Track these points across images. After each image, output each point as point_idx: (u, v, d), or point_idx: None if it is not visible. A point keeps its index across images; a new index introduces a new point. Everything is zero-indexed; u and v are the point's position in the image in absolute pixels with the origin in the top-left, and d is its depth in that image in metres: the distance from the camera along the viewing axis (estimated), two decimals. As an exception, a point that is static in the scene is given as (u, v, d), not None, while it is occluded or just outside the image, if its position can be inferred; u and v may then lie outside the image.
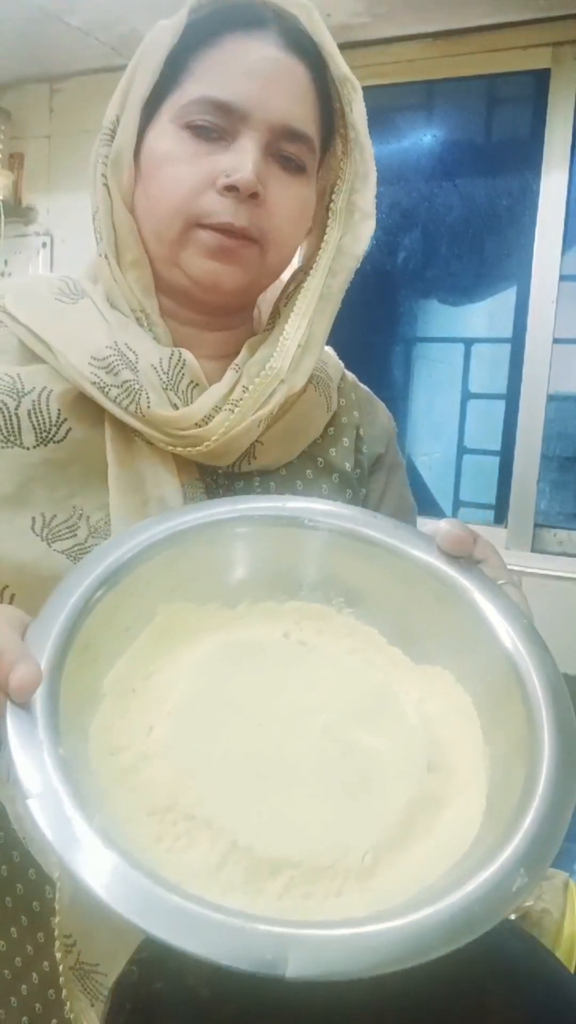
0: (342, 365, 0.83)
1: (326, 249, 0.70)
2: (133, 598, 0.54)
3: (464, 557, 0.56)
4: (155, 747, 0.48)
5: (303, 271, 0.71)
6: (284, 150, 0.65)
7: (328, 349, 0.81)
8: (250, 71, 0.63)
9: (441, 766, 0.49)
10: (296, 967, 0.35)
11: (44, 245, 2.73)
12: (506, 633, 0.52)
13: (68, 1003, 0.64)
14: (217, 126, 0.63)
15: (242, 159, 0.62)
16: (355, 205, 0.71)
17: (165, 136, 0.64)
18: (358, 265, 0.72)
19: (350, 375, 0.85)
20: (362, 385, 0.86)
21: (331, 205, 0.71)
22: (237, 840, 0.43)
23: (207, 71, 0.63)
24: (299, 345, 0.68)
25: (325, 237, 0.70)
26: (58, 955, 0.64)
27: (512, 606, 0.54)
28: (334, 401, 0.78)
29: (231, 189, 0.62)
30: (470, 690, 0.53)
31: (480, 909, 0.38)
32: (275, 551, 0.59)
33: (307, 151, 0.66)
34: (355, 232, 0.71)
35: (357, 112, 0.68)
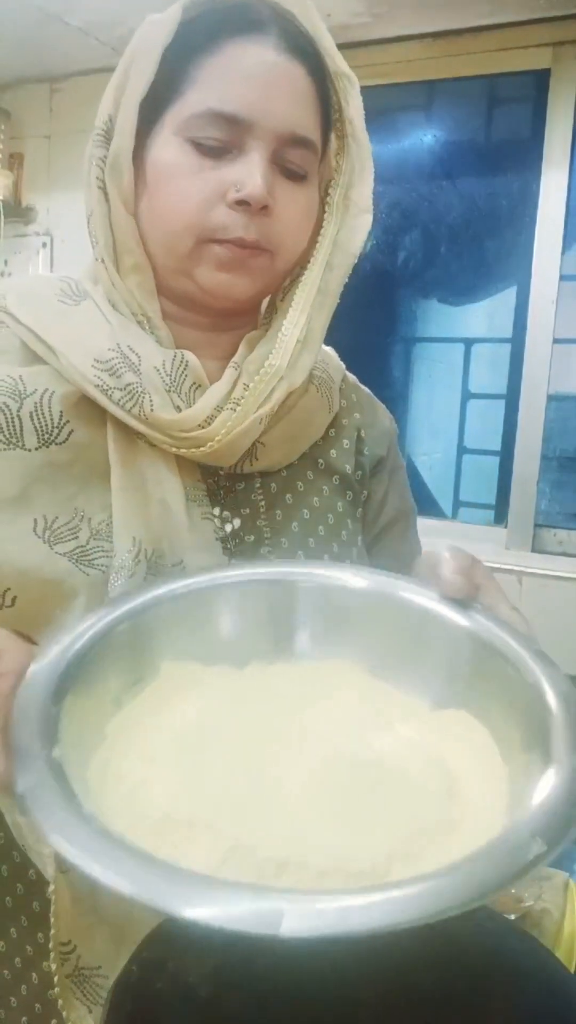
0: (343, 366, 0.83)
1: (323, 244, 0.70)
2: (141, 650, 0.55)
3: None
4: (157, 771, 0.48)
5: (300, 266, 0.71)
6: (289, 158, 0.65)
7: (329, 350, 0.81)
8: (253, 79, 0.62)
9: (457, 793, 0.48)
10: (291, 926, 0.34)
11: (44, 245, 2.73)
12: (519, 663, 0.53)
13: (65, 1012, 0.64)
14: (223, 139, 0.62)
15: (251, 172, 0.62)
16: (351, 200, 0.70)
17: (169, 148, 0.64)
18: (355, 260, 0.71)
19: (351, 376, 0.85)
20: (363, 387, 0.86)
21: (327, 199, 0.71)
22: (239, 841, 0.42)
23: (209, 80, 0.62)
24: (298, 341, 0.68)
25: (322, 232, 0.70)
26: (53, 965, 0.64)
27: (519, 634, 0.55)
28: (335, 402, 0.78)
29: (241, 203, 0.62)
30: (489, 724, 0.53)
31: (491, 873, 0.37)
32: (285, 612, 0.60)
33: (310, 156, 0.66)
34: (352, 227, 0.71)
35: (354, 107, 0.68)
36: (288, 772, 0.48)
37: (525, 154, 2.20)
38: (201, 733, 0.51)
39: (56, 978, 0.64)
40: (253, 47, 0.63)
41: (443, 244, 2.46)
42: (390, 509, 0.84)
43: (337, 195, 0.70)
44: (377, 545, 0.84)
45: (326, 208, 0.71)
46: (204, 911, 0.34)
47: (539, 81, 2.14)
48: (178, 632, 0.58)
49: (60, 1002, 0.64)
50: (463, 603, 0.57)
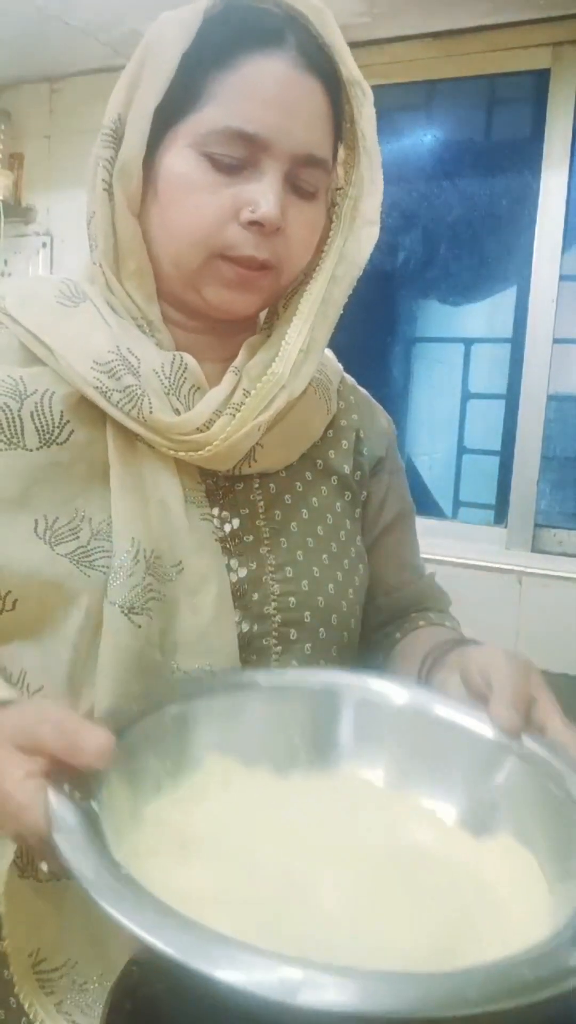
0: (341, 368, 0.83)
1: (328, 255, 0.70)
2: (186, 738, 0.56)
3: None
4: (189, 853, 0.48)
5: (304, 275, 0.71)
6: (302, 177, 0.65)
7: (327, 352, 0.81)
8: (272, 99, 0.62)
9: (495, 904, 0.47)
10: (308, 995, 0.33)
11: (44, 245, 2.73)
12: (563, 781, 0.52)
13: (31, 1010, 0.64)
14: (239, 157, 0.62)
15: (266, 193, 0.62)
16: (359, 212, 0.70)
17: (184, 160, 0.63)
18: (360, 272, 0.71)
19: (349, 378, 0.85)
20: (361, 388, 0.86)
21: (335, 210, 0.70)
22: (262, 928, 0.42)
23: (228, 97, 0.62)
24: (300, 350, 0.68)
25: (328, 243, 0.70)
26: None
27: (558, 754, 0.54)
28: (333, 404, 0.78)
29: (255, 224, 0.62)
30: (528, 840, 0.52)
31: (528, 973, 0.35)
32: (335, 723, 0.61)
33: (323, 175, 0.66)
34: (358, 239, 0.70)
35: (367, 118, 0.67)
36: (318, 873, 0.48)
37: (525, 154, 2.20)
38: (236, 827, 0.51)
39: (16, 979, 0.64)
40: (272, 63, 0.62)
41: (443, 244, 2.46)
42: (391, 510, 0.84)
43: (345, 207, 0.70)
44: (378, 547, 0.83)
45: (333, 218, 0.70)
46: (222, 969, 0.34)
47: (539, 81, 2.14)
48: (223, 725, 0.58)
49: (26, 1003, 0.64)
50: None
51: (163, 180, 0.64)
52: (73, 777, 0.46)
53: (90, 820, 0.43)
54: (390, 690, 0.62)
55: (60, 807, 0.43)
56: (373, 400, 0.86)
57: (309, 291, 0.69)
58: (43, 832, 0.43)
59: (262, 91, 0.62)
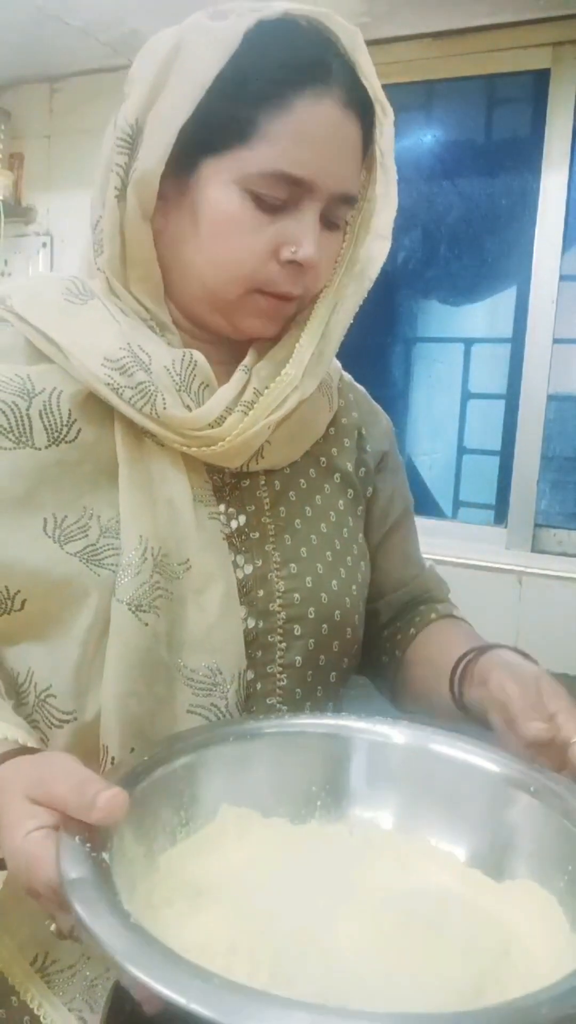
0: (339, 365, 0.83)
1: (342, 267, 0.71)
2: (198, 790, 0.56)
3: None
4: (203, 902, 0.48)
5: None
6: (336, 213, 0.66)
7: None
8: (321, 142, 0.63)
9: (516, 950, 0.47)
10: None
11: (44, 245, 2.73)
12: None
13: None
14: (286, 199, 0.63)
15: (306, 235, 0.64)
16: (373, 226, 0.71)
17: (230, 196, 0.63)
18: (371, 284, 0.73)
19: (347, 375, 0.86)
20: (359, 386, 0.87)
21: (349, 224, 0.71)
22: (276, 974, 0.42)
23: (279, 139, 0.61)
24: (313, 354, 0.70)
25: (341, 255, 0.71)
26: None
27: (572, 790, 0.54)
28: (335, 401, 0.79)
29: (293, 263, 0.64)
30: (553, 888, 0.52)
31: (548, 1012, 0.35)
32: (347, 768, 0.61)
33: (350, 209, 0.68)
34: (370, 252, 0.72)
35: (387, 137, 0.69)
36: (334, 921, 0.48)
37: (525, 154, 2.20)
38: (251, 877, 0.51)
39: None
40: (323, 106, 0.62)
41: (443, 244, 2.46)
42: (397, 508, 0.86)
43: (359, 221, 0.71)
44: (386, 544, 0.85)
45: (347, 230, 0.71)
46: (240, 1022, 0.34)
47: (539, 81, 2.13)
48: (235, 774, 0.59)
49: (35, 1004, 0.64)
50: (522, 765, 0.57)
51: (205, 212, 0.64)
52: (85, 829, 0.46)
53: (102, 871, 0.43)
54: (400, 733, 0.62)
55: (72, 859, 0.43)
56: (370, 397, 0.87)
57: (322, 302, 0.71)
58: (54, 884, 0.44)
59: (312, 134, 0.62)
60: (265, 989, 0.38)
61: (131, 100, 0.64)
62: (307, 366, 0.69)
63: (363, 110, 0.65)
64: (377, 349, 2.61)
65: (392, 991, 0.42)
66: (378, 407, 0.87)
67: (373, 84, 0.66)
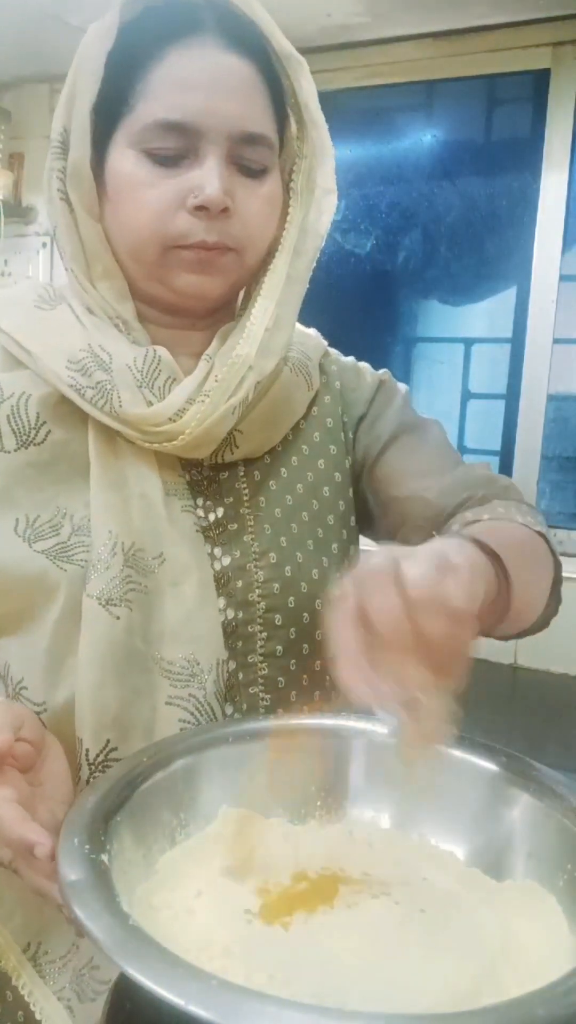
0: (325, 344, 0.82)
1: (289, 231, 0.70)
2: (197, 791, 0.57)
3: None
4: (201, 903, 0.48)
5: (268, 253, 0.71)
6: (245, 156, 0.65)
7: (311, 331, 0.82)
8: (197, 85, 0.62)
9: (514, 949, 0.47)
10: None
11: (44, 245, 2.73)
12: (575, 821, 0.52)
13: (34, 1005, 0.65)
14: (176, 148, 0.63)
15: (207, 177, 0.63)
16: (315, 182, 0.71)
17: (126, 160, 0.64)
18: (322, 243, 0.72)
19: (333, 351, 0.84)
20: (345, 358, 0.84)
21: (291, 185, 0.71)
22: (273, 975, 0.42)
23: (156, 90, 0.63)
24: (266, 329, 0.68)
25: (288, 218, 0.70)
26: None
27: (567, 784, 0.54)
28: (315, 379, 0.78)
29: (201, 208, 0.63)
30: (552, 887, 0.52)
31: (543, 1012, 0.36)
32: (345, 768, 0.61)
33: (267, 151, 0.67)
34: (318, 209, 0.71)
35: (307, 90, 0.68)
36: (333, 921, 0.48)
37: (525, 154, 2.20)
38: (252, 878, 0.51)
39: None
40: (195, 51, 0.63)
41: (443, 244, 2.46)
42: (386, 429, 0.79)
43: (300, 180, 0.70)
44: (381, 467, 0.78)
45: (291, 193, 0.71)
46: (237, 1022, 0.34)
47: (539, 81, 2.13)
48: (234, 775, 0.59)
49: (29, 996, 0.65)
50: (518, 765, 0.57)
51: (110, 181, 0.66)
52: (85, 831, 0.46)
53: (101, 873, 0.43)
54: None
55: (71, 861, 0.44)
56: (361, 364, 0.84)
57: (272, 268, 0.70)
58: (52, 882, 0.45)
59: (186, 78, 0.62)
60: (263, 990, 0.38)
61: (56, 112, 0.67)
62: (262, 342, 0.68)
63: (255, 54, 0.65)
64: (377, 349, 2.61)
65: (390, 991, 0.42)
66: (364, 368, 0.83)
67: (277, 38, 0.66)
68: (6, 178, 2.67)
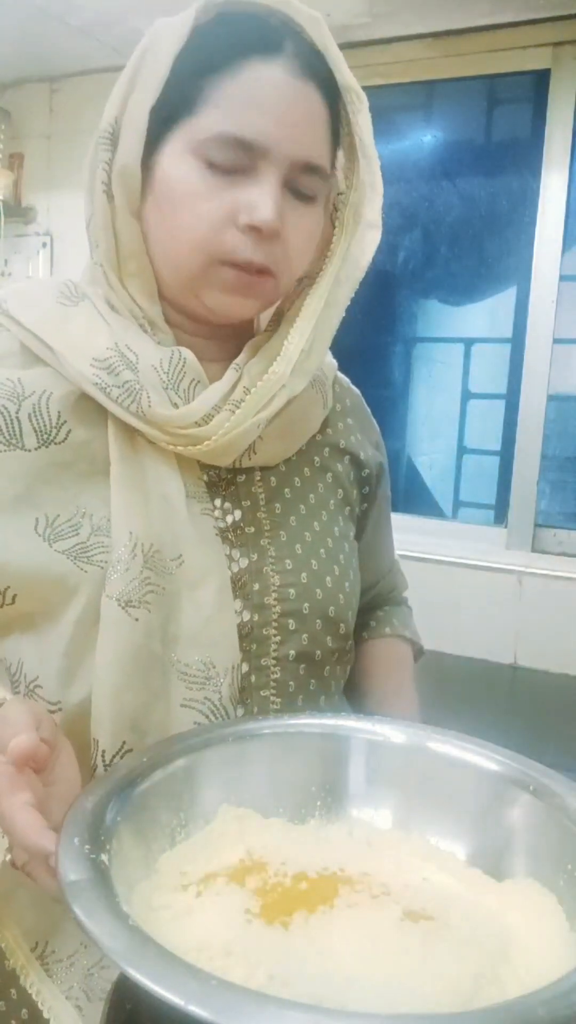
0: (335, 363, 0.83)
1: (332, 259, 0.71)
2: (197, 791, 0.56)
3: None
4: (201, 904, 0.48)
5: (308, 278, 0.71)
6: (301, 183, 0.65)
7: None
8: (270, 105, 0.62)
9: (514, 952, 0.47)
10: None
11: (44, 245, 2.73)
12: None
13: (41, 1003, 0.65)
14: (237, 163, 0.63)
15: (263, 199, 0.63)
16: (361, 215, 0.71)
17: (182, 165, 0.64)
18: (363, 275, 0.72)
19: (343, 378, 0.86)
20: (354, 389, 0.87)
21: (337, 216, 0.71)
22: (273, 975, 0.42)
23: (226, 103, 0.62)
24: (303, 351, 0.69)
25: (331, 247, 0.71)
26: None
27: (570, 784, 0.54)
28: (330, 398, 0.79)
29: (253, 228, 0.63)
30: (553, 887, 0.51)
31: (544, 1013, 0.35)
32: (345, 768, 0.61)
33: (321, 181, 0.67)
34: (360, 242, 0.71)
35: (363, 124, 0.68)
36: (332, 921, 0.47)
37: (525, 154, 2.20)
38: (252, 878, 0.51)
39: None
40: (269, 70, 0.62)
41: (443, 244, 2.46)
42: (382, 508, 0.89)
43: (348, 212, 0.71)
44: (367, 541, 0.87)
45: (335, 223, 0.71)
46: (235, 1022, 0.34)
47: (539, 81, 2.13)
48: (234, 776, 0.59)
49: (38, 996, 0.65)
50: (517, 763, 0.57)
51: (161, 184, 0.65)
52: (85, 831, 0.46)
53: (101, 873, 0.43)
54: (399, 732, 0.62)
55: (71, 861, 0.44)
56: (364, 404, 0.88)
57: (313, 293, 0.70)
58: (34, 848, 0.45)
59: (260, 97, 0.62)
60: (263, 990, 0.39)
61: (110, 102, 0.66)
62: (296, 363, 0.68)
63: (323, 85, 0.65)
64: (377, 349, 2.61)
65: (390, 991, 0.42)
66: (370, 415, 0.89)
67: (343, 72, 0.66)
68: (6, 178, 2.67)
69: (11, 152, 2.72)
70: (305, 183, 0.65)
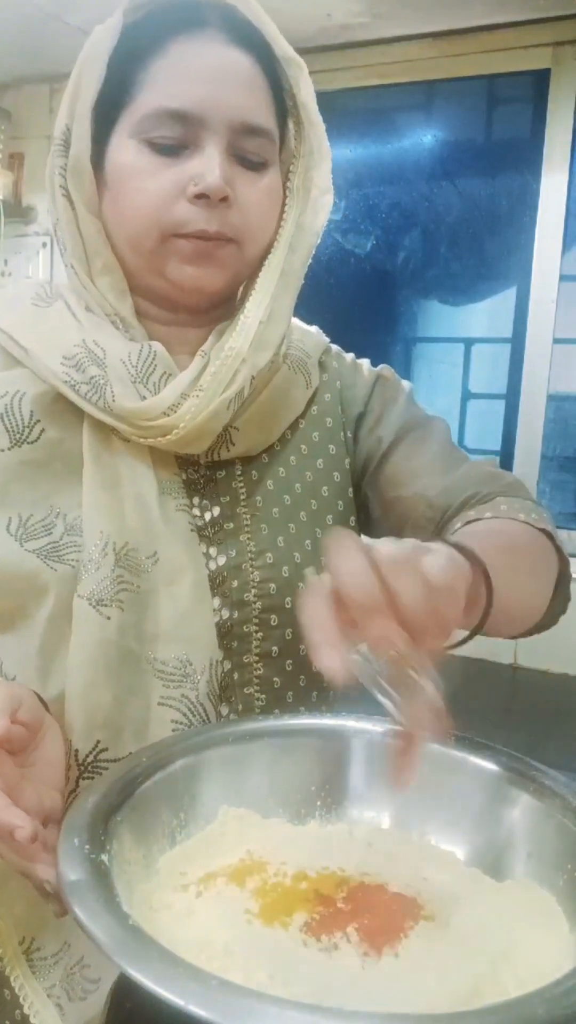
0: (327, 341, 0.82)
1: (285, 227, 0.71)
2: (197, 792, 0.56)
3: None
4: (201, 904, 0.48)
5: (264, 249, 0.71)
6: (246, 148, 0.66)
7: (313, 328, 0.82)
8: (199, 75, 0.63)
9: (515, 955, 0.46)
10: None
11: (44, 245, 2.73)
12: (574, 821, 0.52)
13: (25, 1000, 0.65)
14: (177, 136, 0.64)
15: (207, 165, 0.63)
16: (312, 181, 0.72)
17: (126, 150, 0.65)
18: (318, 240, 0.72)
19: (335, 347, 0.84)
20: (346, 355, 0.84)
21: (288, 184, 0.71)
22: (273, 975, 0.42)
23: (157, 81, 0.64)
24: (260, 322, 0.69)
25: (284, 215, 0.71)
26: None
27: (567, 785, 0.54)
28: (314, 377, 0.78)
29: (201, 196, 0.63)
30: (552, 887, 0.51)
31: (543, 1012, 0.35)
32: (345, 767, 0.61)
33: (268, 144, 0.67)
34: (314, 208, 0.72)
35: (305, 91, 0.69)
36: (334, 921, 0.47)
37: (525, 154, 2.20)
38: (252, 878, 0.51)
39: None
40: (197, 43, 0.64)
41: (443, 244, 2.46)
42: (389, 431, 0.78)
43: (297, 179, 0.71)
44: (386, 469, 0.77)
45: (287, 192, 0.71)
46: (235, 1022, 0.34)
47: (539, 81, 2.13)
48: (234, 775, 0.59)
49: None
50: (516, 765, 0.57)
51: (110, 172, 0.66)
52: (85, 831, 0.46)
53: (101, 873, 0.43)
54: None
55: (71, 861, 0.44)
56: (361, 362, 0.84)
57: (268, 265, 0.70)
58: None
59: (189, 68, 0.63)
60: (263, 990, 0.38)
61: (60, 110, 0.68)
62: (256, 336, 0.68)
63: (255, 50, 0.66)
64: (377, 349, 2.60)
65: (390, 991, 0.42)
66: (361, 364, 0.83)
67: (278, 42, 0.67)
68: (6, 178, 2.67)
69: (11, 152, 2.72)
70: (251, 148, 0.66)
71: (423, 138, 2.42)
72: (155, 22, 0.65)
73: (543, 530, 0.69)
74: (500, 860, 0.55)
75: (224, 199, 0.64)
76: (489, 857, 0.55)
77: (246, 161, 0.66)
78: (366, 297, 2.47)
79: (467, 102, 2.36)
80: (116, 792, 0.51)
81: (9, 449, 0.66)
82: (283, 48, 0.68)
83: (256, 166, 0.67)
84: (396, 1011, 0.39)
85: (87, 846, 0.45)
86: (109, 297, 0.69)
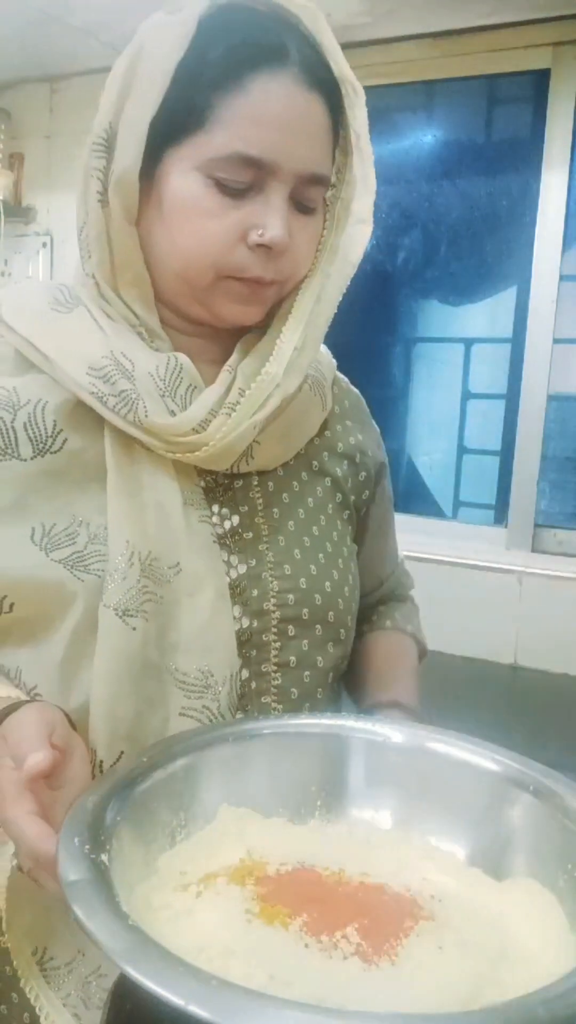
0: (334, 364, 0.83)
1: (322, 255, 0.70)
2: (197, 792, 0.56)
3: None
4: (201, 904, 0.48)
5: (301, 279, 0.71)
6: (305, 195, 0.65)
7: (322, 348, 0.82)
8: (277, 121, 0.62)
9: (514, 954, 0.46)
10: None
11: (44, 245, 2.73)
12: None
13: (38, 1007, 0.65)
14: (246, 181, 0.63)
15: (273, 218, 0.63)
16: (352, 211, 0.71)
17: (191, 184, 0.63)
18: (354, 271, 0.72)
19: (343, 378, 0.85)
20: (353, 390, 0.87)
21: (328, 210, 0.71)
22: (273, 975, 0.42)
23: (235, 120, 0.61)
24: (296, 348, 0.69)
25: (321, 242, 0.70)
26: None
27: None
28: (329, 400, 0.79)
29: (262, 246, 0.63)
30: (554, 888, 0.51)
31: (544, 1012, 0.36)
32: (346, 768, 0.61)
33: (323, 189, 0.67)
34: (351, 237, 0.71)
35: (360, 119, 0.68)
36: (334, 921, 0.47)
37: (525, 154, 2.20)
38: (252, 878, 0.51)
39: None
40: (278, 84, 0.62)
41: (443, 244, 2.46)
42: (384, 511, 0.88)
43: (338, 207, 0.71)
44: (371, 544, 0.86)
45: (326, 218, 0.71)
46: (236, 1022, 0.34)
47: (539, 81, 2.13)
48: (234, 775, 0.59)
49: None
50: (515, 761, 0.57)
51: (169, 201, 0.64)
52: (85, 831, 0.46)
53: (101, 873, 0.43)
54: (399, 732, 0.62)
55: (71, 861, 0.44)
56: (363, 401, 0.87)
57: (305, 290, 0.70)
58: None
59: (270, 115, 0.61)
60: (263, 990, 0.39)
61: (103, 106, 0.65)
62: (289, 360, 0.68)
63: (327, 90, 0.65)
64: (377, 349, 2.60)
65: (390, 991, 0.42)
66: (370, 415, 0.88)
67: (339, 63, 0.65)
68: (6, 178, 2.67)
69: (11, 152, 2.72)
70: (309, 195, 0.66)
71: (423, 138, 2.42)
72: (231, 42, 0.61)
73: (413, 636, 0.90)
74: (500, 860, 0.55)
75: (285, 251, 0.64)
76: (489, 857, 0.55)
77: (301, 206, 0.66)
78: (366, 297, 2.47)
79: (467, 102, 2.36)
80: (116, 792, 0.51)
81: (32, 459, 0.65)
82: (342, 68, 0.66)
83: (309, 211, 0.67)
84: (396, 1011, 0.39)
85: (87, 846, 0.45)
86: (135, 307, 0.68)
